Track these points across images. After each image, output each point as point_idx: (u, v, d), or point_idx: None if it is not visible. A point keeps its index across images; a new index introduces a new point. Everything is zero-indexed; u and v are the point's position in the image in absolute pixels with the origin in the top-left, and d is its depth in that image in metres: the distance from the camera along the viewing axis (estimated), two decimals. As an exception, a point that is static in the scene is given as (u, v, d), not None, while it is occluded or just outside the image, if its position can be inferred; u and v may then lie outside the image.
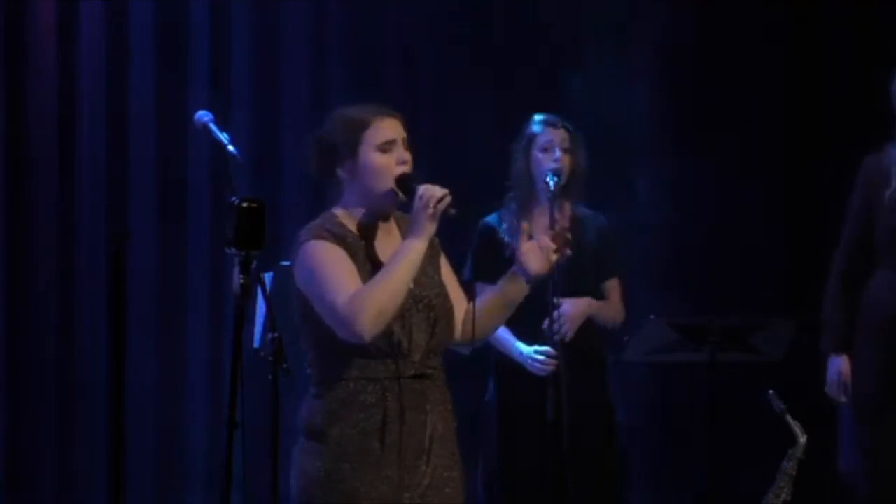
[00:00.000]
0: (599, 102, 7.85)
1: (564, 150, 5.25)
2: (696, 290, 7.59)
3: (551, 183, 5.16)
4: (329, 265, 3.80)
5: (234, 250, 3.90)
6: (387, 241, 3.91)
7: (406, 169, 3.87)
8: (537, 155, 5.26)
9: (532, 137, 5.30)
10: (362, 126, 3.89)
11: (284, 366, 4.54)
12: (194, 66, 7.67)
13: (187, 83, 7.63)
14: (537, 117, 5.34)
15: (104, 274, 7.13)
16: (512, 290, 3.98)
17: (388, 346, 3.78)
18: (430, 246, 3.89)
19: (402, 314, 3.78)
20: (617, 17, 7.84)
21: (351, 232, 3.87)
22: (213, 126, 4.51)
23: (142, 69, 7.54)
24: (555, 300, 5.06)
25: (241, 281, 3.89)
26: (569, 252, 4.03)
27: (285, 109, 7.93)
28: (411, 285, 3.81)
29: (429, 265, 3.92)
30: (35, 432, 7.27)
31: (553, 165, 5.21)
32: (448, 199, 3.76)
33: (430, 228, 3.77)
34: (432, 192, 3.76)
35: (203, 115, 4.58)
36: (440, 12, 8.14)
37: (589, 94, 7.60)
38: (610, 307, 5.33)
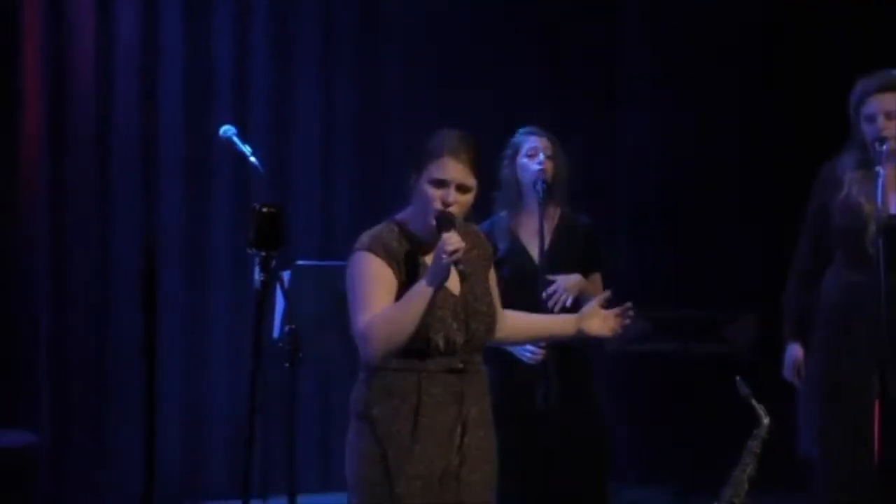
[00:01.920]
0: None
1: (547, 157, 5.22)
2: (672, 285, 7.62)
3: (540, 190, 5.13)
4: (368, 280, 3.80)
5: (254, 250, 3.91)
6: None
7: (445, 210, 3.79)
8: (523, 161, 5.24)
9: (518, 146, 5.28)
10: (434, 155, 3.83)
11: (300, 355, 4.53)
12: (218, 84, 7.69)
13: (213, 98, 7.65)
14: (522, 129, 5.32)
15: (137, 272, 7.13)
16: (560, 332, 4.21)
17: (426, 346, 3.79)
18: (483, 258, 3.96)
19: (439, 320, 3.78)
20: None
21: (404, 244, 3.85)
22: (236, 139, 4.52)
23: (172, 87, 7.55)
24: (549, 277, 5.05)
25: (261, 278, 3.91)
26: (627, 323, 4.18)
27: (298, 126, 7.95)
28: (456, 293, 3.83)
29: (479, 278, 3.93)
30: (75, 413, 7.27)
31: (537, 168, 5.18)
32: (458, 256, 3.70)
33: (443, 276, 3.73)
34: (449, 244, 3.70)
35: (227, 130, 4.58)
36: (443, 24, 8.17)
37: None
38: (594, 292, 5.32)
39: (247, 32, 7.76)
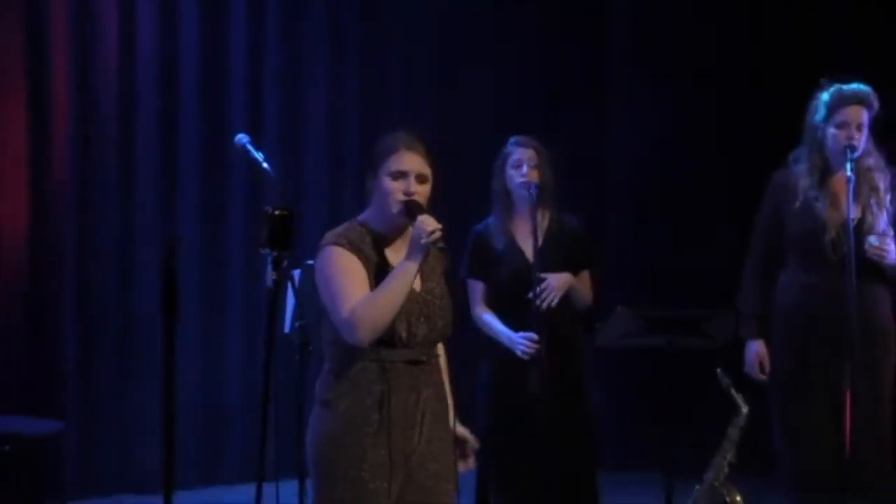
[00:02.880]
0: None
1: (532, 167, 5.22)
2: (659, 284, 7.63)
3: (534, 194, 5.15)
4: (341, 272, 3.76)
5: (267, 251, 3.93)
6: (400, 249, 3.85)
7: (409, 199, 3.78)
8: (509, 172, 5.25)
9: (506, 156, 5.29)
10: (388, 152, 3.82)
11: (310, 348, 4.57)
12: (233, 96, 7.71)
13: (228, 108, 7.68)
14: (512, 139, 5.33)
15: (158, 271, 7.15)
16: None
17: (390, 337, 3.75)
18: (437, 258, 3.89)
19: (405, 313, 3.75)
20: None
21: (368, 241, 3.82)
22: (250, 146, 4.56)
23: (189, 97, 7.57)
24: (540, 275, 5.07)
25: (274, 277, 3.93)
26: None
27: (308, 134, 7.97)
28: (417, 289, 3.80)
29: (433, 274, 3.90)
30: (100, 403, 7.30)
31: (521, 179, 5.20)
32: (438, 234, 3.71)
33: (422, 254, 3.73)
34: (427, 225, 3.71)
35: (242, 138, 4.62)
36: (444, 30, 8.19)
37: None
38: (583, 288, 5.35)
39: (259, 49, 7.78)
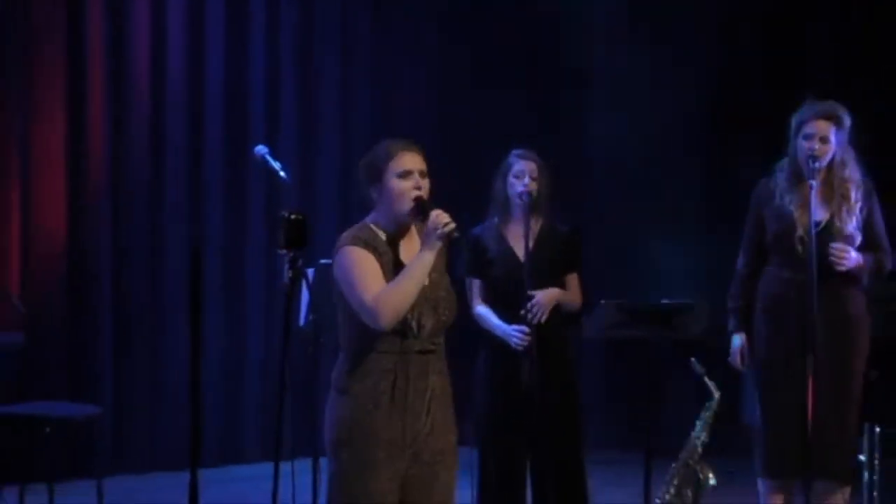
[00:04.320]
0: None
1: (532, 178, 5.24)
2: (639, 280, 7.64)
3: (525, 202, 5.17)
4: (360, 267, 3.75)
5: (283, 251, 3.95)
6: (409, 245, 3.88)
7: (421, 194, 3.81)
8: (511, 180, 5.26)
9: (509, 166, 5.29)
10: (388, 157, 3.82)
11: (321, 340, 4.60)
12: (253, 109, 7.73)
13: (248, 121, 7.70)
14: (514, 151, 5.34)
15: (185, 269, 7.17)
16: None
17: (402, 328, 3.77)
18: (440, 255, 3.88)
19: (415, 305, 3.76)
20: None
21: (381, 240, 3.83)
22: (268, 157, 4.56)
23: (213, 111, 7.60)
24: (529, 292, 5.09)
25: (289, 275, 3.94)
26: None
27: (321, 146, 8.00)
28: (425, 282, 3.79)
29: (437, 268, 3.89)
30: (132, 389, 7.33)
31: (521, 189, 5.22)
32: (452, 226, 3.74)
33: (438, 244, 3.75)
34: (441, 218, 3.73)
35: (261, 149, 4.62)
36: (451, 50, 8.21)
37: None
38: (570, 295, 5.35)
39: (276, 65, 7.80)
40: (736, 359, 5.15)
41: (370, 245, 3.79)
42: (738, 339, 5.14)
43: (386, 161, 3.81)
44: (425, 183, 3.83)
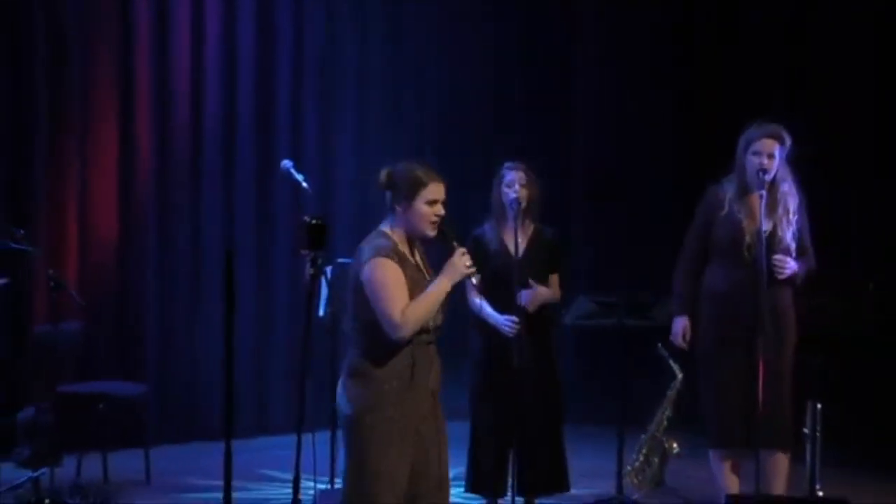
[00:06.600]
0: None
1: (522, 186, 5.25)
2: (611, 276, 7.59)
3: (514, 209, 5.18)
4: (392, 282, 3.74)
5: (305, 252, 3.94)
6: (419, 253, 3.92)
7: (439, 221, 3.83)
8: (504, 189, 5.27)
9: (502, 176, 5.31)
10: (423, 184, 3.82)
11: (338, 328, 4.58)
12: (279, 126, 7.71)
13: (275, 137, 7.68)
14: (506, 163, 5.34)
15: (220, 267, 7.14)
16: None
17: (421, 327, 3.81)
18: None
19: None
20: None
21: (404, 249, 3.84)
22: (293, 170, 4.59)
23: (245, 129, 7.58)
24: (523, 291, 5.11)
25: (311, 272, 3.93)
26: None
27: (339, 158, 7.98)
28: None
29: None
30: (174, 369, 7.33)
31: (512, 197, 5.22)
32: (473, 270, 3.82)
33: (457, 279, 3.81)
34: (465, 260, 3.80)
35: (286, 163, 4.65)
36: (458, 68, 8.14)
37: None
38: (553, 292, 5.36)
39: (298, 88, 7.77)
40: (678, 339, 5.12)
41: (403, 259, 3.81)
42: (681, 320, 5.09)
43: (420, 187, 3.81)
44: (443, 211, 3.86)
